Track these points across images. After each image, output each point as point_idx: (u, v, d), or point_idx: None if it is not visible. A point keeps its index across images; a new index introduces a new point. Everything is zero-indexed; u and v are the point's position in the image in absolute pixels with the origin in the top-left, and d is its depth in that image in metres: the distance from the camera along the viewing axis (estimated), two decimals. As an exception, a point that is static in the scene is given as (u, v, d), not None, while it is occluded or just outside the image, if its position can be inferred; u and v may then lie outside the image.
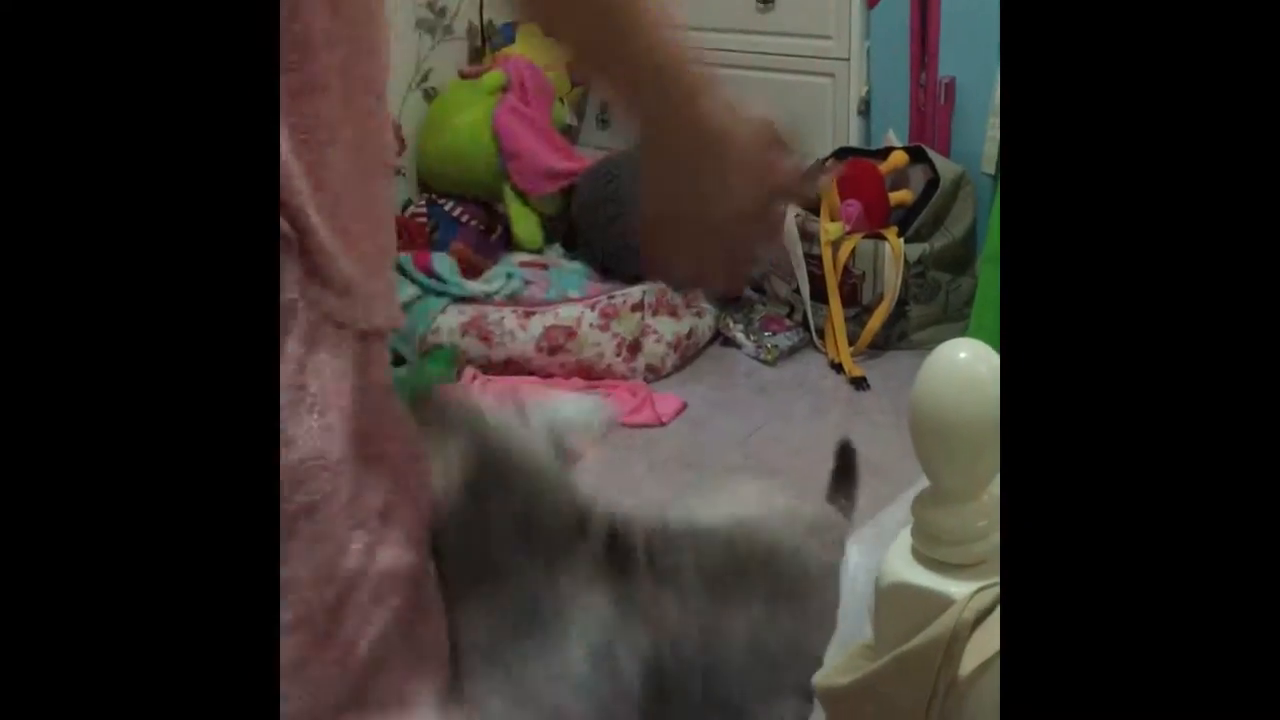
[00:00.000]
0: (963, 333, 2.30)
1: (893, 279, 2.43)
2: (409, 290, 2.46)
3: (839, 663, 0.88)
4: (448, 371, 2.40)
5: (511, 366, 2.44)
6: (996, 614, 0.65)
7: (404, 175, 2.90)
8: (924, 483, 0.93)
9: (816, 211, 2.53)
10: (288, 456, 0.61)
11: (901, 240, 2.44)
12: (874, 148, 2.67)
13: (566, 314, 2.44)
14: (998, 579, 0.65)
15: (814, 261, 2.51)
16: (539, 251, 2.77)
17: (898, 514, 1.05)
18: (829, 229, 2.48)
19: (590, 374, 2.42)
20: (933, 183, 2.50)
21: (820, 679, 0.87)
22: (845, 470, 1.26)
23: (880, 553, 0.99)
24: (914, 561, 0.83)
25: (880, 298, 2.46)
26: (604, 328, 2.43)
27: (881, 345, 2.50)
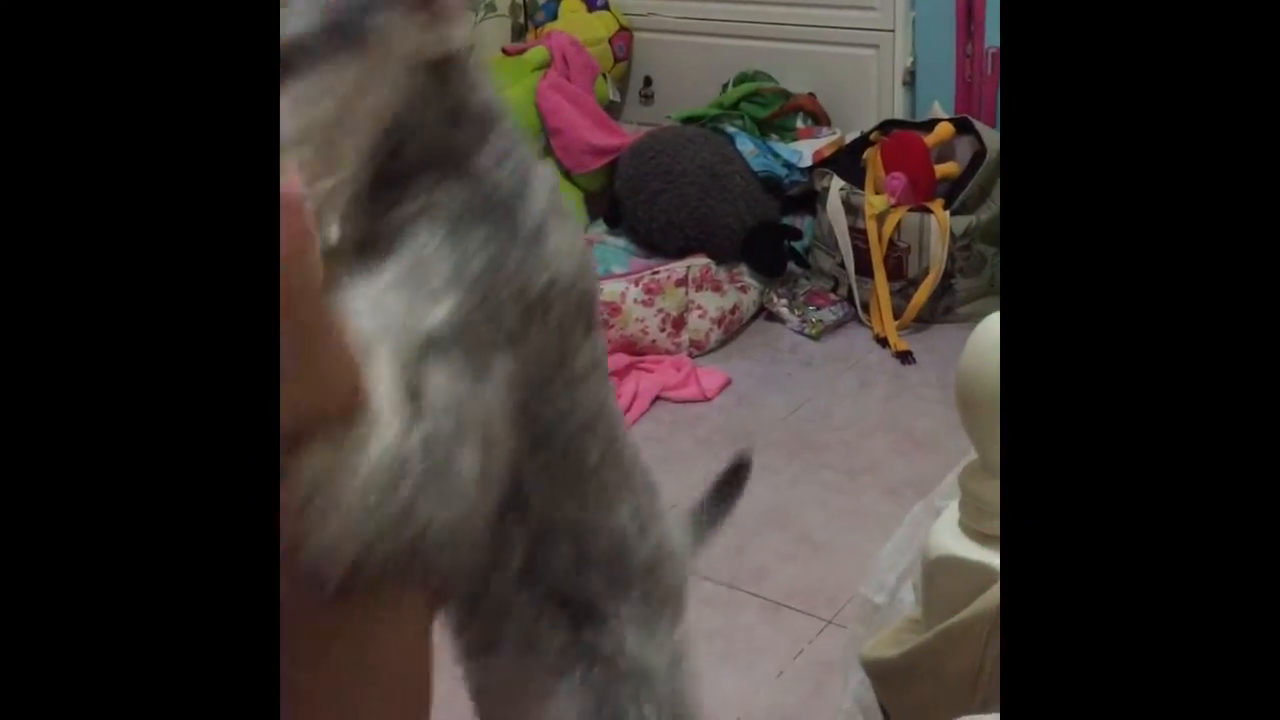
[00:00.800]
0: (1010, 305, 2.28)
1: (938, 252, 2.42)
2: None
3: (885, 635, 0.89)
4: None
5: (556, 343, 2.45)
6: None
7: (448, 153, 2.91)
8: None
9: (861, 184, 2.52)
10: None
11: (947, 213, 2.42)
12: (919, 119, 2.65)
13: (610, 290, 2.44)
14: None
15: (859, 235, 2.49)
16: (583, 228, 2.78)
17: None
18: (874, 202, 2.46)
19: (634, 349, 2.43)
20: (979, 154, 2.47)
21: (868, 652, 0.88)
22: (734, 480, 1.21)
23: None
24: (961, 535, 0.83)
25: (926, 271, 2.45)
26: (648, 303, 2.43)
27: (927, 319, 2.49)
